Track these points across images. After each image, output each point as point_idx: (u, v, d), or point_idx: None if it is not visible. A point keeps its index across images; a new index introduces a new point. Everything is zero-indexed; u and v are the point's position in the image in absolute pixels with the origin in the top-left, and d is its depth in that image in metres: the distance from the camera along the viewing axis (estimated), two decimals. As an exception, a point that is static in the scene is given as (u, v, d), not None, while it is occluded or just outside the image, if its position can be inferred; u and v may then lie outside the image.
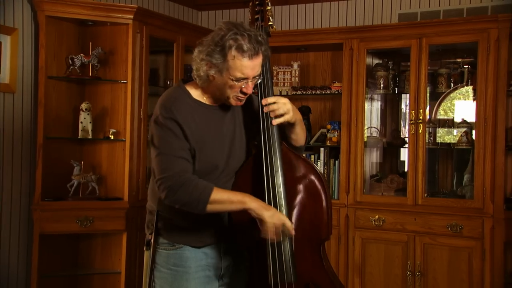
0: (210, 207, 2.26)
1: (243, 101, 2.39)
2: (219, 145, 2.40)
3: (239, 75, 2.26)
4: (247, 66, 2.25)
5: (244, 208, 2.27)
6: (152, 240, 2.47)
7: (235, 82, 2.28)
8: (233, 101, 2.36)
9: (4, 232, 4.07)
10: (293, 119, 2.44)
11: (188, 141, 2.32)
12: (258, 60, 2.29)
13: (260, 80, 2.40)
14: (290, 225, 2.30)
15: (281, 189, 2.36)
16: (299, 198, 2.44)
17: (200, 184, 2.27)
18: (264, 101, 2.40)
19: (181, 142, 2.31)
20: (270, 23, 2.56)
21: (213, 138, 2.38)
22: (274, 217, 2.26)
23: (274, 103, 2.39)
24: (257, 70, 2.30)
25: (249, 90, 2.32)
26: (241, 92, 2.32)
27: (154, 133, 2.36)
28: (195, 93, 2.41)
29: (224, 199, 2.28)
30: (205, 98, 2.42)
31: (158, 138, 2.34)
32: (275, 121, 2.40)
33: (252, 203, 2.27)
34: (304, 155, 2.64)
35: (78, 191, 4.25)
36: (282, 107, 2.39)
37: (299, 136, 2.52)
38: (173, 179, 2.26)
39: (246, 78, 2.28)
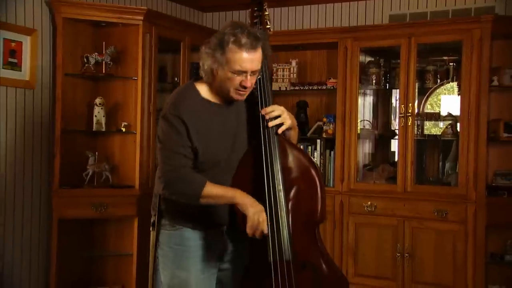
0: (202, 201, 2.31)
1: (245, 96, 2.39)
2: (222, 142, 2.42)
3: (237, 67, 2.27)
4: (245, 60, 2.26)
5: (233, 202, 2.32)
6: (155, 221, 2.51)
7: (234, 75, 2.29)
8: (234, 95, 2.36)
9: (26, 217, 4.13)
10: (292, 125, 2.50)
11: (191, 139, 2.33)
12: (256, 55, 2.29)
13: (259, 76, 2.42)
14: (265, 228, 2.31)
15: (279, 176, 2.39)
16: (295, 184, 2.47)
17: (194, 179, 2.31)
18: (263, 111, 2.44)
19: (183, 140, 2.33)
20: (268, 26, 2.59)
21: (217, 135, 2.40)
22: (255, 216, 2.29)
23: (273, 111, 2.44)
24: (256, 65, 2.31)
25: (248, 83, 2.32)
26: (241, 85, 2.32)
27: (161, 127, 2.39)
28: (204, 91, 2.42)
29: (214, 194, 2.32)
30: (212, 96, 2.43)
31: (163, 134, 2.37)
32: (280, 129, 2.44)
33: (240, 199, 2.31)
34: (301, 146, 2.67)
35: (93, 179, 4.28)
36: (280, 113, 2.44)
37: (292, 139, 2.57)
38: (171, 173, 2.32)
39: (245, 72, 2.29)
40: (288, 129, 2.50)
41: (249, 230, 2.31)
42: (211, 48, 2.30)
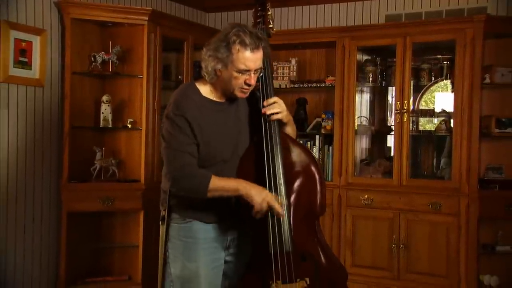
0: (209, 194, 2.34)
1: (247, 93, 2.42)
2: (224, 139, 2.44)
3: (242, 67, 2.30)
4: (249, 59, 2.30)
5: (238, 194, 2.36)
6: (165, 216, 2.52)
7: (239, 74, 2.32)
8: (238, 93, 2.39)
9: (36, 210, 4.16)
10: (286, 119, 2.52)
11: (195, 137, 2.36)
12: (259, 54, 2.33)
13: (262, 73, 2.45)
14: (279, 207, 2.36)
15: (280, 171, 2.41)
16: (296, 178, 2.49)
17: (199, 175, 2.34)
18: (265, 102, 2.47)
19: (188, 138, 2.35)
20: (271, 26, 2.62)
21: (219, 133, 2.42)
22: (263, 203, 2.33)
23: (274, 102, 2.47)
24: (259, 63, 2.34)
25: (252, 81, 2.35)
26: (245, 83, 2.35)
27: (165, 127, 2.40)
28: (204, 90, 2.45)
29: (220, 187, 2.35)
30: (213, 95, 2.45)
31: (167, 133, 2.38)
32: (273, 117, 2.47)
33: (243, 191, 2.34)
34: (301, 141, 2.69)
35: (100, 174, 4.31)
36: (279, 106, 2.48)
37: (290, 134, 2.60)
38: (177, 171, 2.34)
39: (249, 70, 2.32)
40: (283, 124, 2.54)
41: (255, 215, 2.34)
42: (214, 50, 2.32)
